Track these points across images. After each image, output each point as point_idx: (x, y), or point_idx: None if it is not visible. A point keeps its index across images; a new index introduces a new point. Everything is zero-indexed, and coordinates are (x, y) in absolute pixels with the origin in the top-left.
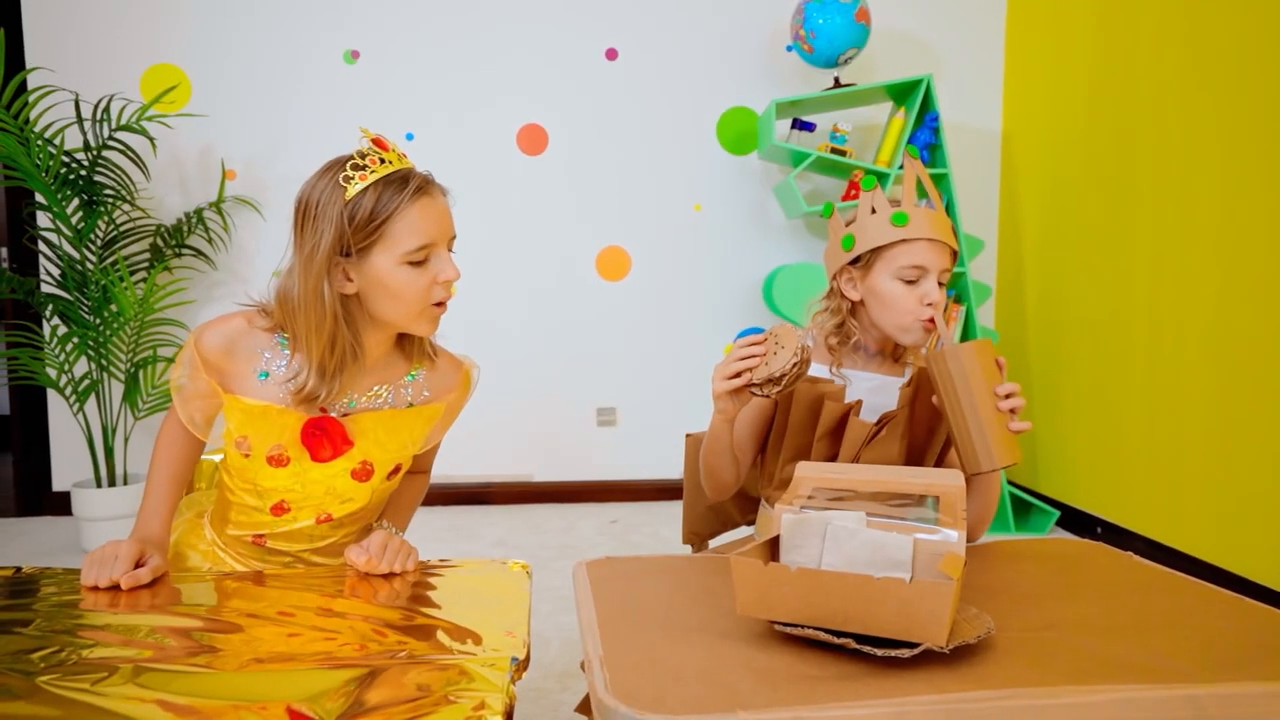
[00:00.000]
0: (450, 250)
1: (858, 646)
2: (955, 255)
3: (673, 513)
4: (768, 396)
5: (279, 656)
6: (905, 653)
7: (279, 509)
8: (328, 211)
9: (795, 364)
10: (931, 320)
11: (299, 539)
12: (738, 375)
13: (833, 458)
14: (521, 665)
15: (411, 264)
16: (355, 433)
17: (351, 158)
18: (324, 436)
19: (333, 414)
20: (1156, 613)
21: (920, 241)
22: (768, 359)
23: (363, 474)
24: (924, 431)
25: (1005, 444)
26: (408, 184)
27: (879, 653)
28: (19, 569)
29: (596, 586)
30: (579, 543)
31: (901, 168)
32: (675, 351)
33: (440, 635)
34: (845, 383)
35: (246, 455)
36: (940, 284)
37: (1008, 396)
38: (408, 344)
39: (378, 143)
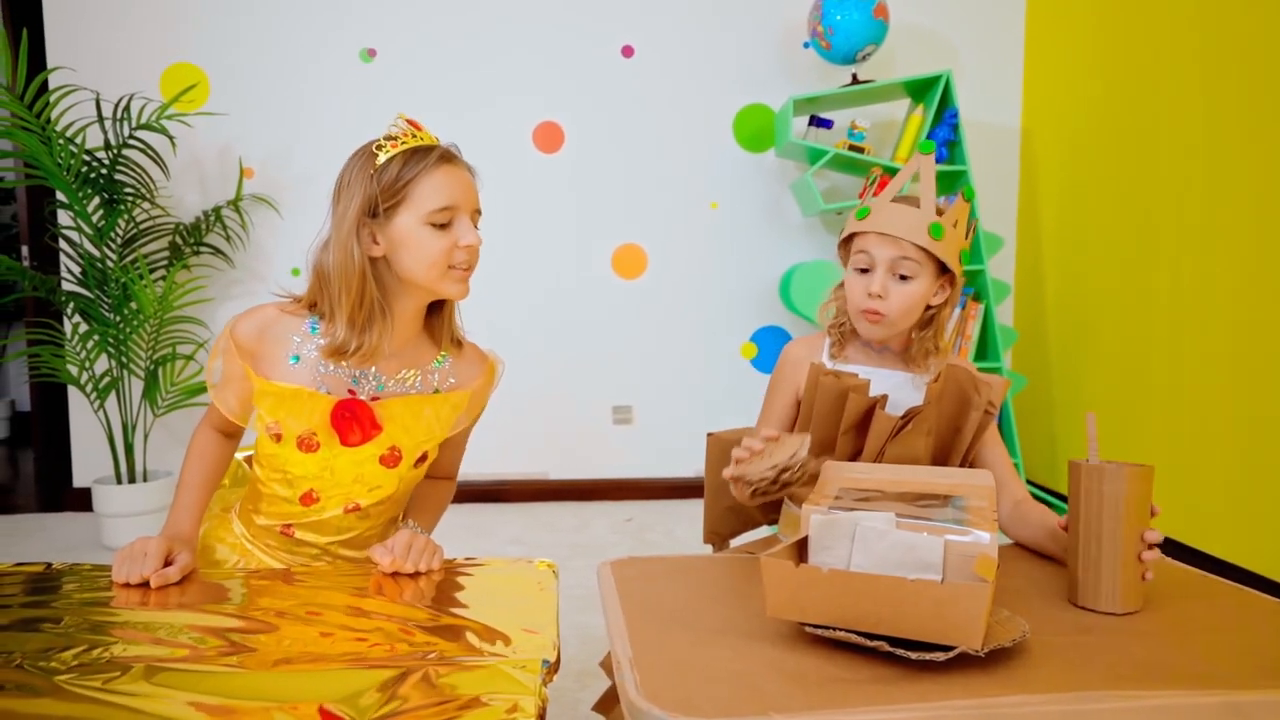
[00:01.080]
0: (475, 222)
1: (891, 649)
2: (933, 256)
3: (688, 511)
4: (756, 495)
5: (309, 656)
6: (940, 656)
7: (308, 498)
8: (358, 178)
9: (777, 471)
10: (874, 312)
11: (327, 530)
12: (738, 463)
13: (858, 452)
14: (552, 668)
15: (434, 225)
16: (383, 417)
17: (386, 133)
18: (353, 420)
19: (362, 397)
20: (1194, 617)
21: (870, 234)
22: (759, 458)
23: (391, 460)
24: (950, 430)
25: (1136, 591)
26: (432, 152)
27: (913, 656)
28: (49, 565)
29: (622, 586)
30: (594, 541)
31: None
32: (691, 350)
33: (469, 636)
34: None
35: (278, 439)
36: (904, 277)
37: (1151, 547)
38: (435, 328)
39: (412, 123)
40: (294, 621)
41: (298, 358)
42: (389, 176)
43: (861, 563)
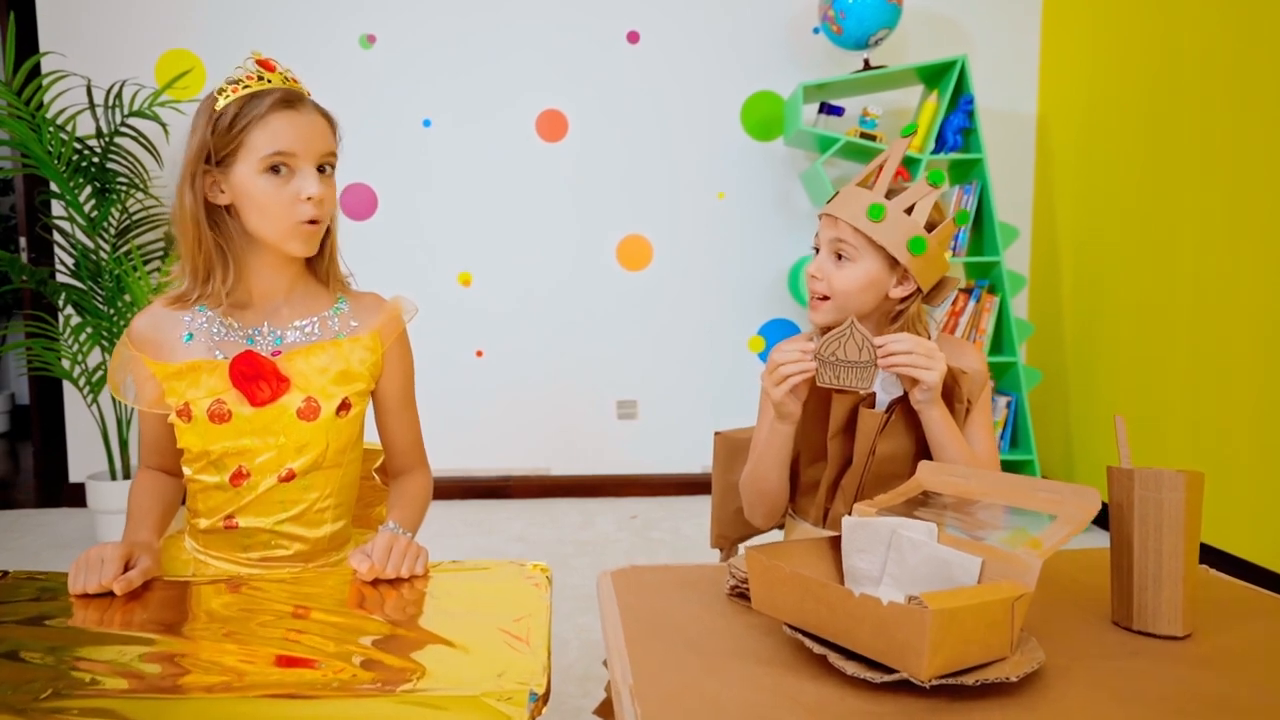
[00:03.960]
0: (324, 170)
1: (839, 663)
2: (869, 238)
3: (693, 509)
4: (840, 385)
5: (275, 686)
6: (876, 677)
7: (238, 476)
8: (200, 123)
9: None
10: (811, 298)
11: (268, 508)
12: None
13: (849, 455)
14: (541, 699)
15: (271, 173)
16: (289, 370)
17: (230, 75)
18: (258, 378)
19: (261, 353)
20: (1250, 639)
21: (822, 217)
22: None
23: (309, 412)
24: None
25: (1194, 611)
26: (270, 95)
27: (849, 670)
28: (5, 573)
29: (623, 600)
30: (598, 539)
31: (935, 152)
32: (698, 343)
33: (451, 660)
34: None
35: (188, 417)
36: (839, 255)
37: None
38: (321, 270)
39: (263, 63)
40: (262, 644)
41: (191, 335)
42: (224, 122)
43: (895, 572)
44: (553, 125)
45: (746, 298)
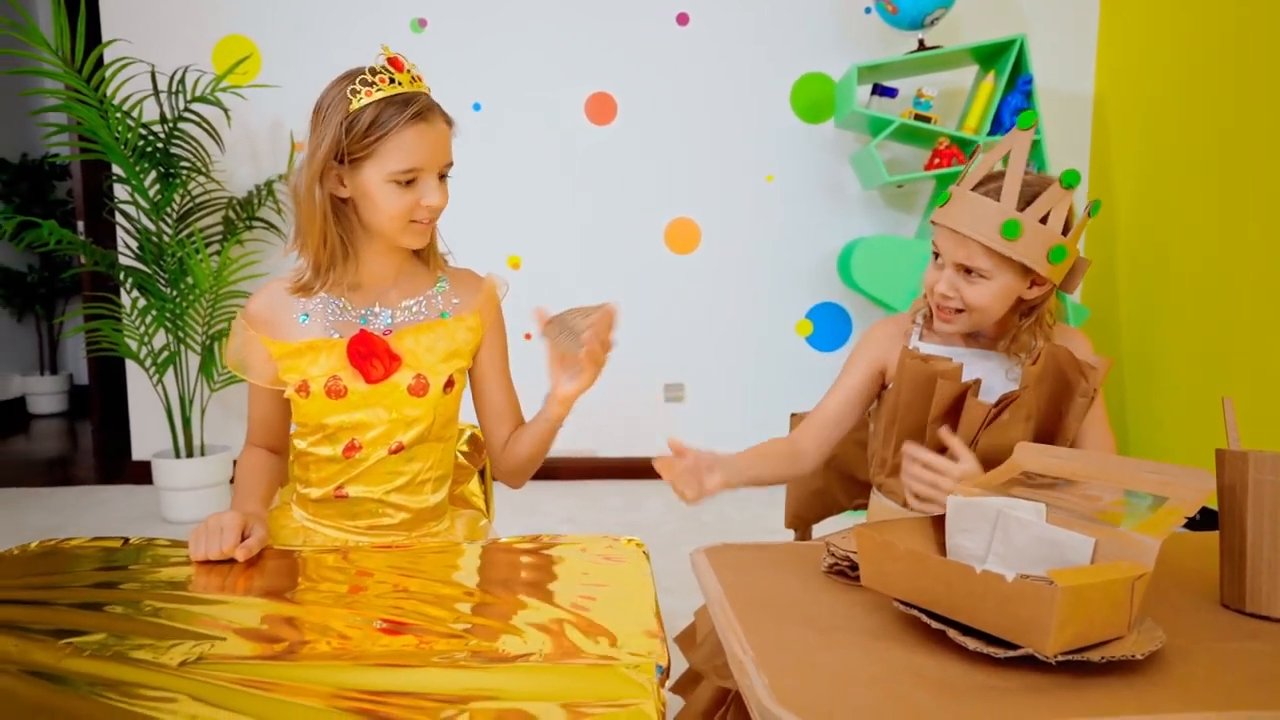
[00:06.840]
0: (444, 176)
1: (959, 638)
2: (1004, 256)
3: (739, 493)
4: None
5: (395, 654)
6: (999, 652)
7: (350, 449)
8: (332, 118)
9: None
10: (941, 310)
11: (376, 478)
12: None
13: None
14: (665, 674)
15: (398, 183)
16: (400, 349)
17: (364, 72)
18: (372, 356)
19: (373, 332)
20: None
21: (942, 228)
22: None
23: (419, 389)
24: (1053, 415)
25: None
26: (408, 107)
27: (970, 645)
28: (126, 540)
29: (722, 575)
30: (646, 521)
31: (992, 134)
32: (745, 327)
33: (570, 632)
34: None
35: (306, 393)
36: (969, 270)
37: None
38: (424, 252)
39: (393, 62)
40: (379, 611)
41: (307, 315)
42: (359, 127)
43: (1002, 552)
44: (602, 108)
45: (795, 281)
